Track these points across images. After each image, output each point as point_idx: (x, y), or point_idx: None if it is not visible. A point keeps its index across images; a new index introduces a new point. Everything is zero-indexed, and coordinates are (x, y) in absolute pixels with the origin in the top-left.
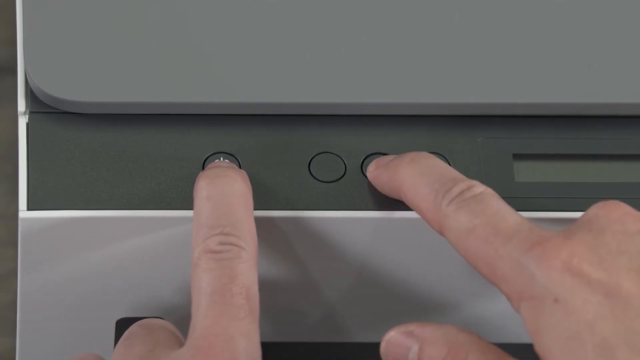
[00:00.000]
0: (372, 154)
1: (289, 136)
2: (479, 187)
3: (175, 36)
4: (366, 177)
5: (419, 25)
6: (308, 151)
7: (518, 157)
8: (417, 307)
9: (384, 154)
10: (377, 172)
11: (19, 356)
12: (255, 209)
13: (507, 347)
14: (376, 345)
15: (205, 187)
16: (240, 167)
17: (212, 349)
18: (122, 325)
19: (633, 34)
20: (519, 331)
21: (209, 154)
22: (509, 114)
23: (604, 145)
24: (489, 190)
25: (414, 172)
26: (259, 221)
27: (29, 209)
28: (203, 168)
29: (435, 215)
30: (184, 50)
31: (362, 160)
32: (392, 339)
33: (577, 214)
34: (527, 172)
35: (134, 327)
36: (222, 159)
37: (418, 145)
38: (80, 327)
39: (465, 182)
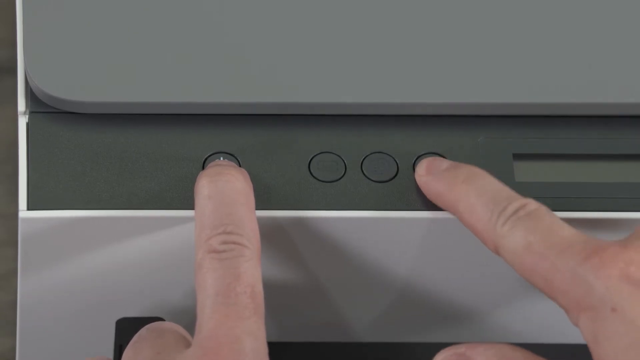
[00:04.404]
0: (372, 154)
1: (289, 136)
2: (533, 205)
3: (175, 36)
4: (366, 176)
5: (419, 25)
6: (308, 151)
7: (518, 157)
8: (418, 306)
9: (384, 154)
10: (428, 180)
11: (19, 356)
12: (255, 208)
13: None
14: (377, 345)
15: (206, 186)
16: (240, 166)
17: (219, 349)
18: (122, 325)
19: (633, 34)
20: (520, 332)
21: (209, 154)
22: (509, 114)
23: (604, 145)
24: (543, 207)
25: (468, 193)
26: (258, 221)
27: (29, 209)
28: (203, 168)
29: (491, 236)
30: (184, 51)
31: (362, 160)
32: None
33: (577, 214)
34: (527, 172)
35: (142, 331)
36: (222, 158)
37: (418, 145)
38: (80, 327)
39: (519, 201)
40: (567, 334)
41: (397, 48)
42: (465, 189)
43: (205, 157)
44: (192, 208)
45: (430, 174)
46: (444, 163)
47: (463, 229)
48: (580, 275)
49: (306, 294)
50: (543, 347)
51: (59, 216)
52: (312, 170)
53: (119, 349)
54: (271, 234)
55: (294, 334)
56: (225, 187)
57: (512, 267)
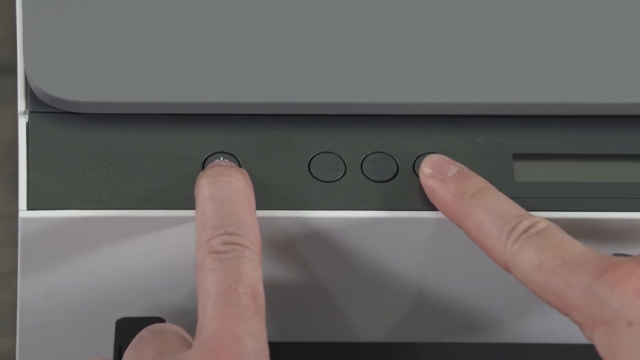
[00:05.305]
0: (372, 154)
1: (289, 136)
2: (543, 223)
3: (175, 36)
4: (366, 176)
5: (418, 25)
6: (308, 151)
7: (518, 157)
8: (418, 306)
9: (384, 154)
10: (434, 185)
11: (19, 356)
12: (255, 209)
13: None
14: (377, 345)
15: (206, 187)
16: (240, 167)
17: (220, 350)
18: (122, 325)
19: (633, 34)
20: (522, 331)
21: (209, 154)
22: (509, 114)
23: (604, 145)
24: (553, 225)
25: (477, 209)
26: (258, 221)
27: (29, 209)
28: (203, 168)
29: (502, 254)
30: (184, 50)
31: (362, 160)
32: None
33: (577, 214)
34: (527, 172)
35: (143, 332)
36: (222, 158)
37: (418, 145)
38: (80, 327)
39: (529, 219)
40: (569, 334)
41: (396, 48)
42: (473, 204)
43: (205, 157)
44: (192, 208)
45: (435, 178)
46: (451, 167)
47: None
48: (594, 291)
49: (306, 294)
50: (544, 347)
51: (59, 216)
52: (312, 170)
53: (119, 349)
54: (271, 234)
55: (294, 334)
56: (225, 188)
57: (523, 285)
